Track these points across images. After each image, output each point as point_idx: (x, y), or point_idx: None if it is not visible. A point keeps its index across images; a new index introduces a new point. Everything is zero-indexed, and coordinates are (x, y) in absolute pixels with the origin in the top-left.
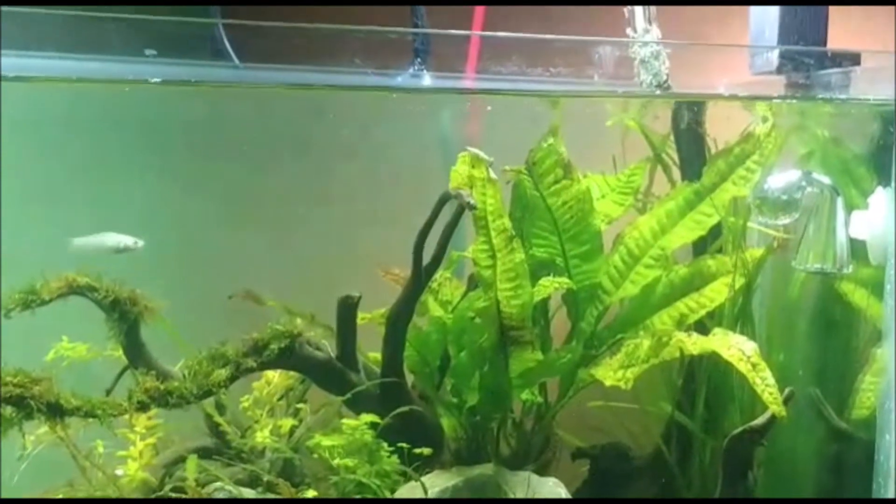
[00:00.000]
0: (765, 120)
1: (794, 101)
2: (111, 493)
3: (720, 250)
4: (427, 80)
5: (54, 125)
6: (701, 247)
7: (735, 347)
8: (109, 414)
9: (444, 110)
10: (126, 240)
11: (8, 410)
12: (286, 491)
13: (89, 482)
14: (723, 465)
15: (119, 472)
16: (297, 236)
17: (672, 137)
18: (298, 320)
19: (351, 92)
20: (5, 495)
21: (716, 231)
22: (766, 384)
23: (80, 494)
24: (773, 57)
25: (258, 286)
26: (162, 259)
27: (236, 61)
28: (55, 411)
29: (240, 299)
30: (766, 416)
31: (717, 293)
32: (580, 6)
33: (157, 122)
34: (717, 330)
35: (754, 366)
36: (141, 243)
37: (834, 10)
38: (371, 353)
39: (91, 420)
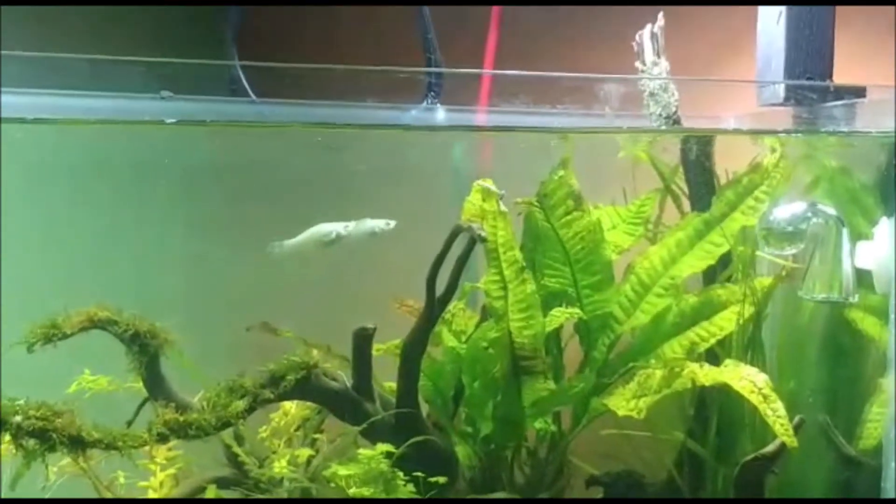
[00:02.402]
0: (773, 151)
1: (799, 134)
2: None
3: (730, 279)
4: (441, 114)
5: (70, 166)
6: (711, 276)
7: (746, 379)
8: (130, 446)
9: (456, 144)
10: (336, 227)
11: (31, 443)
12: None
13: None
14: (734, 492)
15: None
16: (313, 269)
17: (681, 168)
18: (314, 352)
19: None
20: None
21: (725, 260)
22: (777, 416)
23: None
24: (780, 89)
25: (274, 319)
26: (180, 293)
27: (253, 97)
28: (77, 444)
29: (257, 331)
30: (777, 443)
31: (727, 322)
32: (592, 35)
33: (172, 160)
34: (728, 361)
35: (766, 398)
36: (351, 225)
37: (840, 45)
38: (386, 383)
39: (112, 452)
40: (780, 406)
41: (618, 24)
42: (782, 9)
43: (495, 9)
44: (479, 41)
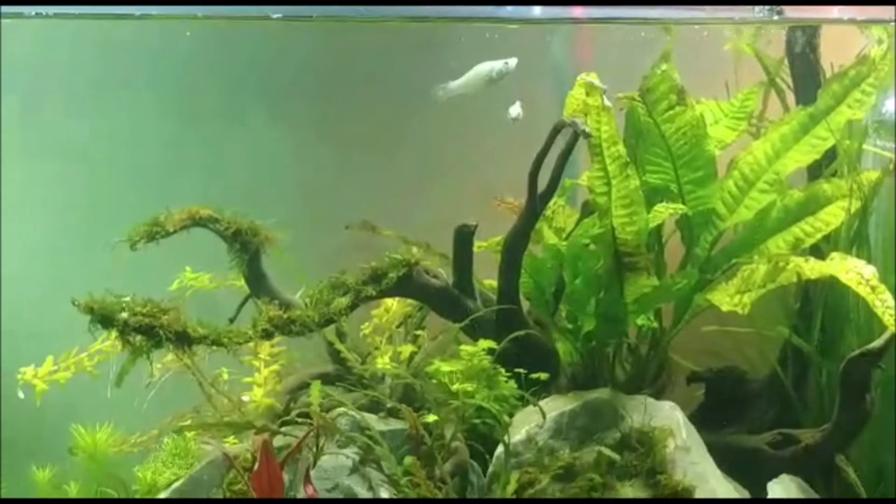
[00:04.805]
0: (880, 42)
1: None
2: (237, 418)
3: (835, 174)
4: (537, 9)
5: (174, 63)
6: (816, 171)
7: (853, 271)
8: (235, 342)
9: (555, 39)
10: (496, 65)
11: (138, 339)
12: (408, 415)
13: (215, 408)
14: (840, 387)
15: (245, 398)
16: (413, 168)
17: (786, 61)
18: (415, 249)
19: (461, 23)
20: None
21: (831, 154)
22: (885, 306)
23: (208, 420)
24: None
25: (376, 217)
26: (282, 193)
27: None
28: (183, 340)
29: (357, 230)
30: (884, 338)
31: (832, 217)
32: None
33: (272, 60)
34: (834, 254)
35: (873, 289)
36: (511, 62)
37: None
38: (487, 280)
39: (217, 348)
40: (888, 297)
41: None
42: None
43: None
44: None
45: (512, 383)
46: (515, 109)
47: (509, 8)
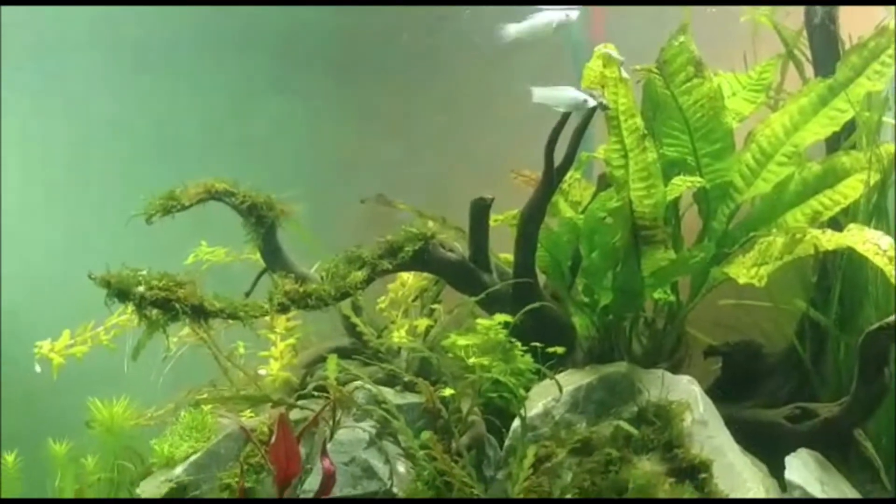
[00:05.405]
0: None
1: None
2: (254, 391)
3: (854, 146)
4: None
5: (184, 45)
6: (834, 143)
7: (871, 242)
8: (252, 315)
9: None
10: (557, 15)
11: (154, 313)
12: (425, 389)
13: (231, 382)
14: (858, 361)
15: (262, 371)
16: (430, 141)
17: (805, 33)
18: (431, 223)
19: None
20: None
21: (850, 127)
22: None
23: (225, 394)
24: None
25: (391, 191)
26: (298, 167)
27: None
28: (199, 313)
29: (372, 204)
30: None
31: (851, 189)
32: None
33: (291, 36)
34: (852, 225)
35: (891, 260)
36: (574, 13)
37: None
38: (503, 254)
39: (232, 322)
40: None
41: None
42: None
43: None
44: None
45: (528, 357)
46: (583, 95)
47: None
